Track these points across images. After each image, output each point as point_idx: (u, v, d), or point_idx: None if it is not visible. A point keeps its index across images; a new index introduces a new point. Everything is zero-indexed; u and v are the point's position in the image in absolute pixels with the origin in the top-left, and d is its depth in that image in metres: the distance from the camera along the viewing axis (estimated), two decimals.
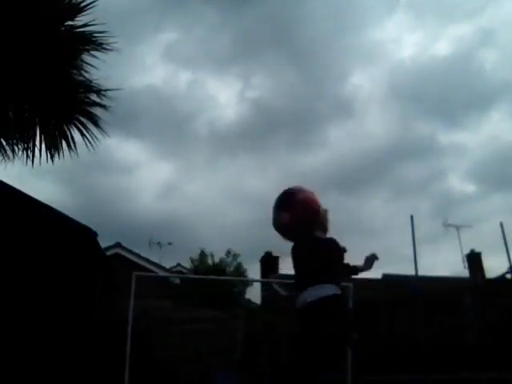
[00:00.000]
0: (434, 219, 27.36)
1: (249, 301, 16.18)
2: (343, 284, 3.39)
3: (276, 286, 14.33)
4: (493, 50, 28.82)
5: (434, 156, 26.23)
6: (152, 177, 31.15)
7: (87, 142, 5.47)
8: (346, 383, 6.07)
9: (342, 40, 27.36)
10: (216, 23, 26.79)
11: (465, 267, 12.33)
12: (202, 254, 16.38)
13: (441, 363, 7.18)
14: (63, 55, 5.20)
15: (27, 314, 6.12)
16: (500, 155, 23.02)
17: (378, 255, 3.24)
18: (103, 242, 8.91)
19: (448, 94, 25.25)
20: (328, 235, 3.19)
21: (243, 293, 16.07)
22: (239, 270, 16.22)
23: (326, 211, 3.22)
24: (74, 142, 5.47)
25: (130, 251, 14.17)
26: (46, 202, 6.72)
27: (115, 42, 5.26)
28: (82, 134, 5.47)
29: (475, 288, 11.77)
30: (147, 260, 14.32)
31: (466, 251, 12.75)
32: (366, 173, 24.25)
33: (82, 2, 5.20)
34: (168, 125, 28.08)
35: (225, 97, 33.29)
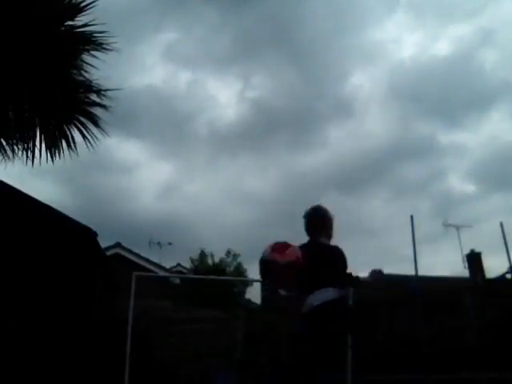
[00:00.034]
0: (433, 219, 27.33)
1: (249, 301, 16.17)
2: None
3: None
4: (493, 50, 28.83)
5: (434, 156, 26.26)
6: (152, 177, 31.18)
7: (87, 141, 5.48)
8: (345, 383, 6.06)
9: (342, 40, 27.33)
10: (216, 23, 26.79)
11: (465, 267, 12.32)
12: (202, 254, 16.38)
13: (441, 363, 7.17)
14: (63, 55, 5.20)
15: (27, 314, 6.12)
16: (500, 155, 23.02)
17: (383, 271, 3.33)
18: (103, 242, 8.91)
19: (448, 93, 25.24)
20: (332, 241, 3.23)
21: (243, 293, 16.07)
22: (239, 270, 16.23)
23: (332, 217, 3.27)
24: (74, 142, 5.48)
25: (130, 251, 14.18)
26: (46, 202, 6.72)
27: (115, 42, 5.27)
28: (82, 134, 5.47)
29: (475, 288, 11.74)
30: (147, 260, 14.32)
31: (466, 251, 12.72)
32: (365, 173, 24.26)
33: (81, 2, 5.20)
34: (168, 125, 28.09)
35: (225, 97, 33.35)
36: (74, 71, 5.37)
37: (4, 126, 5.08)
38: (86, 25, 5.21)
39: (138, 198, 27.98)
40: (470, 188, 29.98)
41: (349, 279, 3.20)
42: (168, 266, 15.51)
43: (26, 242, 6.37)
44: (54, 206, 6.79)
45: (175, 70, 31.75)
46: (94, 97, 5.49)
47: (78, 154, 5.53)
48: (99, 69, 5.38)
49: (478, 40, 26.32)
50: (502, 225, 8.79)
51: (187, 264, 16.54)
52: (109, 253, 12.44)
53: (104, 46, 5.26)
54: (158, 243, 16.10)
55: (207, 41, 26.87)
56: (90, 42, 5.27)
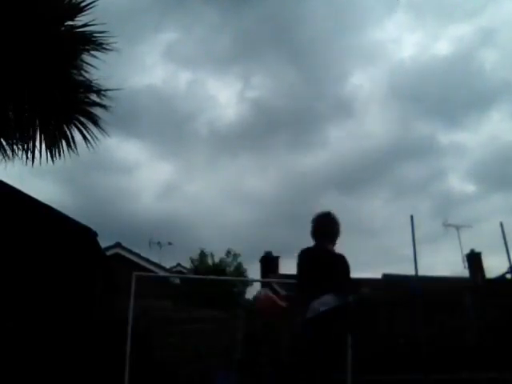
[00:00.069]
0: (433, 219, 27.36)
1: (249, 301, 16.18)
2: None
3: (276, 286, 14.32)
4: (493, 50, 28.85)
5: (434, 156, 26.29)
6: (152, 177, 31.20)
7: (87, 141, 5.48)
8: (346, 383, 6.06)
9: (342, 40, 27.36)
10: (216, 23, 26.81)
11: (465, 267, 12.31)
12: (202, 254, 16.40)
13: (441, 363, 7.17)
14: (63, 55, 5.19)
15: (27, 314, 6.12)
16: (500, 155, 23.05)
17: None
18: (103, 242, 8.91)
19: (448, 93, 25.27)
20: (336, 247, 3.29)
21: (243, 293, 16.09)
22: (239, 270, 16.25)
23: (340, 225, 3.32)
24: (74, 142, 5.47)
25: (130, 251, 14.18)
26: (46, 202, 6.73)
27: (115, 42, 5.25)
28: (82, 134, 5.46)
29: (475, 288, 11.77)
30: (147, 260, 14.32)
31: (466, 251, 12.76)
32: (366, 173, 24.30)
33: (81, 2, 5.19)
34: (168, 125, 28.12)
35: (225, 97, 33.36)
36: (74, 71, 5.36)
37: (4, 126, 5.07)
38: (86, 25, 5.20)
39: (137, 197, 28.02)
40: (469, 188, 30.02)
41: (349, 287, 3.23)
42: (168, 266, 15.52)
43: (26, 242, 6.37)
44: (54, 205, 6.81)
45: (175, 70, 31.80)
46: (94, 97, 5.49)
47: (78, 154, 5.53)
48: (99, 69, 5.38)
49: (478, 40, 26.37)
50: (502, 225, 8.78)
51: (187, 264, 16.56)
52: (109, 253, 12.44)
53: (104, 45, 5.25)
54: (158, 243, 16.12)
55: (207, 41, 26.91)
56: (90, 41, 5.26)
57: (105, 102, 5.44)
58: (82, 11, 5.18)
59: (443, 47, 29.92)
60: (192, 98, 28.74)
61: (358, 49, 27.33)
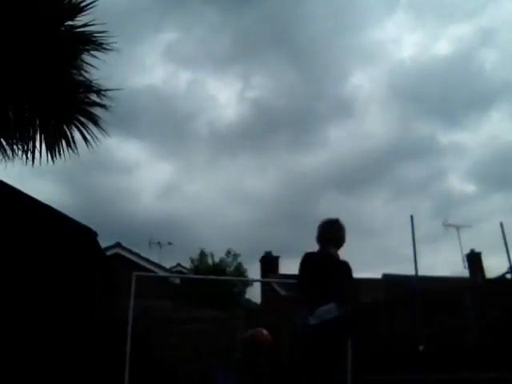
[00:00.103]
0: (434, 219, 27.39)
1: (249, 301, 16.20)
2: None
3: (276, 286, 14.32)
4: (493, 50, 28.87)
5: (434, 156, 26.33)
6: (152, 177, 31.25)
7: (87, 141, 5.48)
8: (346, 383, 6.06)
9: (342, 40, 27.40)
10: (216, 23, 26.83)
11: (465, 267, 12.30)
12: (202, 254, 16.41)
13: (441, 363, 7.17)
14: (63, 55, 5.19)
15: (27, 314, 6.12)
16: (500, 155, 23.08)
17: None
18: (103, 242, 8.91)
19: (448, 93, 25.30)
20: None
21: (243, 293, 16.10)
22: (239, 270, 16.25)
23: (346, 233, 3.36)
24: (74, 142, 5.47)
25: (130, 251, 14.19)
26: (46, 202, 6.72)
27: (115, 42, 5.25)
28: (82, 134, 5.46)
29: (475, 288, 11.76)
30: (147, 260, 14.33)
31: (466, 251, 12.77)
32: (366, 173, 24.33)
33: (81, 2, 5.19)
34: (168, 125, 28.14)
35: (225, 97, 33.39)
36: (74, 71, 5.36)
37: (4, 126, 5.07)
38: (86, 25, 5.20)
39: (137, 197, 28.04)
40: (469, 188, 30.06)
41: (350, 294, 3.25)
42: (168, 266, 15.54)
43: (26, 242, 6.37)
44: (54, 205, 6.81)
45: (175, 70, 31.84)
46: (94, 97, 5.49)
47: (78, 154, 5.53)
48: (99, 69, 5.38)
49: (477, 40, 26.41)
50: (502, 225, 8.78)
51: (187, 264, 16.57)
52: (109, 253, 12.44)
53: (104, 45, 5.25)
54: (158, 243, 16.14)
55: (207, 41, 26.93)
56: (90, 42, 5.26)
57: (105, 101, 5.45)
58: (82, 11, 5.18)
59: (443, 47, 30.02)
60: (192, 97, 28.80)
61: (358, 49, 27.39)
